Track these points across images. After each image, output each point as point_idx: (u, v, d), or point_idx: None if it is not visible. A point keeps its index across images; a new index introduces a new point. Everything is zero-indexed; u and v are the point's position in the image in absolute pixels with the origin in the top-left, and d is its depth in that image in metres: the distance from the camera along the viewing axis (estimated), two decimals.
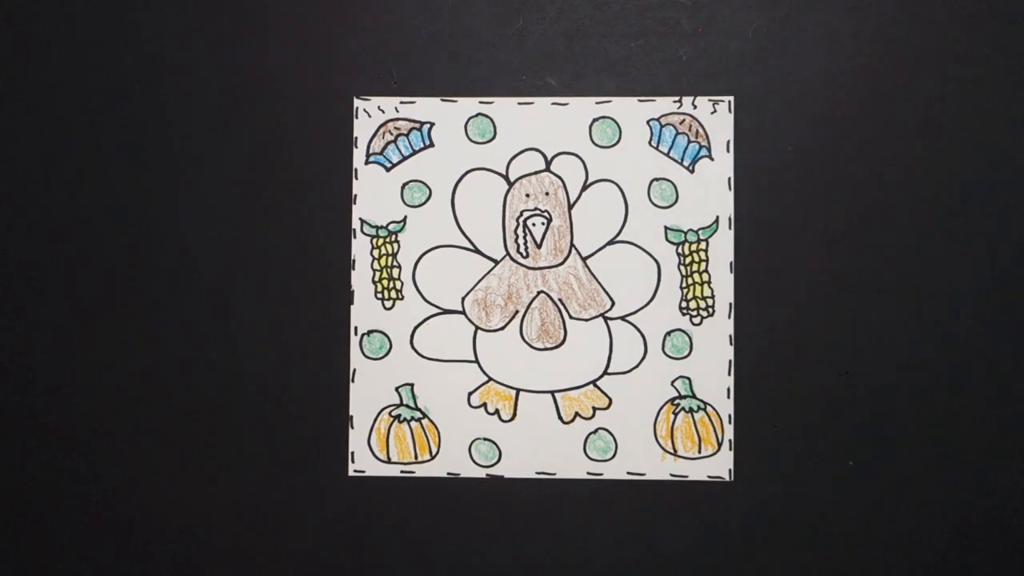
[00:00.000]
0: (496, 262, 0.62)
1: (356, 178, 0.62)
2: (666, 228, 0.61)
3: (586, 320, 0.61)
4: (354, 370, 0.61)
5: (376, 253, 0.62)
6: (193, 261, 0.62)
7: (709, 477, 0.60)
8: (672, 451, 0.61)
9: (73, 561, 0.61)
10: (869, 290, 0.60)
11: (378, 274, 0.62)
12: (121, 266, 0.62)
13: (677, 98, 0.61)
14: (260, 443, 0.61)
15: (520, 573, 0.60)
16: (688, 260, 0.61)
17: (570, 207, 0.61)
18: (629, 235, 0.61)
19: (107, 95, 0.62)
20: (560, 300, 0.61)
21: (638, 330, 0.61)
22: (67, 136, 0.62)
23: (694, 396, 0.61)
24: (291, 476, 0.61)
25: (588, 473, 0.61)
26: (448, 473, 0.61)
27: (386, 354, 0.61)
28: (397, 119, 0.62)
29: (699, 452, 0.61)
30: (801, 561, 0.60)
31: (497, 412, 0.61)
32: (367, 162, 0.62)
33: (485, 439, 0.61)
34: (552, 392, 0.61)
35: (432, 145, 0.62)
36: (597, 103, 0.61)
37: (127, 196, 0.62)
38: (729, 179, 0.61)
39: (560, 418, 0.61)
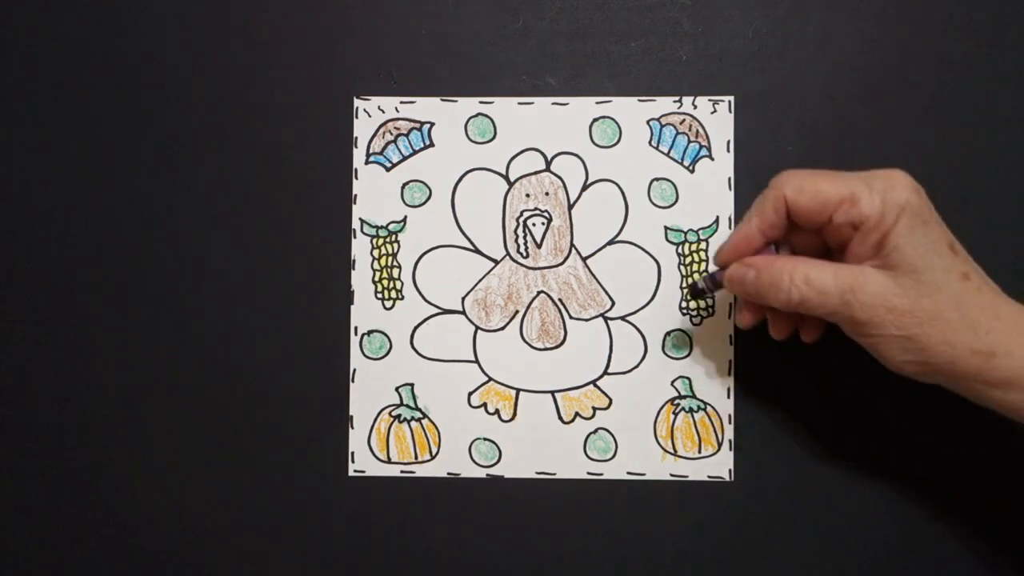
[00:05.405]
0: (496, 262, 0.62)
1: (356, 178, 0.62)
2: (666, 228, 0.61)
3: (586, 320, 0.61)
4: (354, 370, 0.61)
5: (376, 253, 0.62)
6: (193, 261, 0.62)
7: (709, 477, 0.60)
8: (672, 451, 0.61)
9: (72, 560, 0.61)
10: None
11: (378, 274, 0.62)
12: (120, 266, 0.62)
13: (677, 98, 0.61)
14: (260, 443, 0.61)
15: (520, 573, 0.60)
16: (688, 260, 0.61)
17: (570, 207, 0.61)
18: (629, 235, 0.61)
19: (105, 95, 0.62)
20: (560, 300, 0.61)
21: (638, 330, 0.61)
22: (66, 136, 0.62)
23: (694, 396, 0.61)
24: (291, 476, 0.61)
25: (588, 473, 0.61)
26: (448, 473, 0.61)
27: (386, 354, 0.61)
28: (397, 119, 0.62)
29: (699, 452, 0.61)
30: (801, 561, 0.60)
31: (497, 412, 0.61)
32: (367, 162, 0.62)
33: (485, 439, 0.61)
34: (552, 392, 0.61)
35: (432, 145, 0.62)
36: (597, 103, 0.61)
37: (126, 196, 0.62)
38: (729, 179, 0.61)
39: (560, 418, 0.61)
